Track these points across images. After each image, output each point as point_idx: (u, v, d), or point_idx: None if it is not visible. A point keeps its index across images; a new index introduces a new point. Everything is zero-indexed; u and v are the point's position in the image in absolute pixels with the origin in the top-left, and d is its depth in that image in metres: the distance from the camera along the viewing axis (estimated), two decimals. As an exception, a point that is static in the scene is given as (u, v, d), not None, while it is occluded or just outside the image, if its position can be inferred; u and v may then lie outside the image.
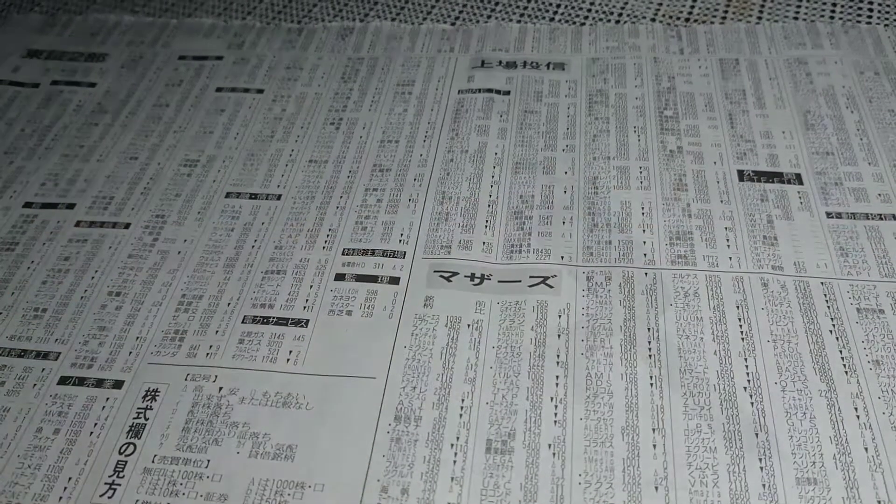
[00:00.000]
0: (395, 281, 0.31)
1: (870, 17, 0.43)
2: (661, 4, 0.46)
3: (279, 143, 0.39)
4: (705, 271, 0.31)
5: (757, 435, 0.26)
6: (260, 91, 0.42)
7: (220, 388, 0.28)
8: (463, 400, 0.27)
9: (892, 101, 0.38)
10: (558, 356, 0.28)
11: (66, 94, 0.43)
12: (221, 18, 0.48)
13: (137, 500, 0.25)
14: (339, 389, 0.28)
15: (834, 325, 0.29)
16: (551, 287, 0.31)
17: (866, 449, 0.25)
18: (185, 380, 0.29)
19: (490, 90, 0.40)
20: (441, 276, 0.31)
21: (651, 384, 0.27)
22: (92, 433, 0.27)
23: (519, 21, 0.46)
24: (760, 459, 0.25)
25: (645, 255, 0.32)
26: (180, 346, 0.30)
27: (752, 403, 0.27)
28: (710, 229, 0.32)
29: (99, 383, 0.29)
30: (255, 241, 0.34)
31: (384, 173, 0.36)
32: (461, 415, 0.27)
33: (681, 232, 0.32)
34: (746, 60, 0.41)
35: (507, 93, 0.40)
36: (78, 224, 0.35)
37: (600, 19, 0.45)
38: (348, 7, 0.48)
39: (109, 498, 0.25)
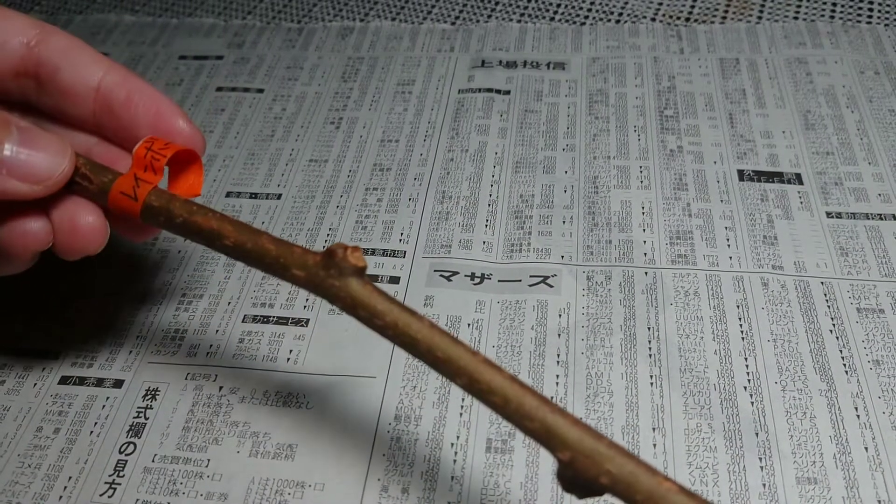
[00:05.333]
0: (395, 280, 0.31)
1: (870, 16, 0.43)
2: (661, 4, 0.46)
3: (279, 142, 0.39)
4: (705, 271, 0.31)
5: (757, 434, 0.26)
6: (260, 90, 0.42)
7: (221, 388, 0.28)
8: (463, 399, 0.27)
9: (893, 101, 0.38)
10: (558, 355, 0.28)
11: (66, 94, 0.43)
12: (221, 18, 0.48)
13: (137, 500, 0.25)
14: (339, 389, 0.28)
15: (834, 325, 0.29)
16: (551, 286, 0.31)
17: (866, 448, 0.25)
18: (186, 379, 0.29)
19: (490, 90, 0.40)
20: (441, 276, 0.31)
21: (651, 383, 0.27)
22: (92, 432, 0.27)
23: (519, 21, 0.46)
24: (760, 459, 0.25)
25: (645, 254, 0.32)
26: (180, 345, 0.30)
27: (752, 403, 0.27)
28: (711, 229, 0.32)
29: (99, 382, 0.29)
30: (256, 240, 0.34)
31: (384, 172, 0.36)
32: (461, 414, 0.27)
33: (681, 231, 0.32)
34: (746, 60, 0.41)
35: (508, 92, 0.40)
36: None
37: (600, 19, 0.45)
38: (348, 7, 0.48)
39: (109, 497, 0.25)
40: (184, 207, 0.21)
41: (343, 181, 0.36)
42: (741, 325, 0.29)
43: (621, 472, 0.15)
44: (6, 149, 0.21)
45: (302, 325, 0.30)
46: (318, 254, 0.19)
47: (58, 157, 0.22)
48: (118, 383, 0.29)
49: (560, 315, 0.30)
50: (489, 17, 0.46)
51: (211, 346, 0.30)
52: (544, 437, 0.16)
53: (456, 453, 0.26)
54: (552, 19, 0.46)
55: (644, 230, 0.33)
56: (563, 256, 0.32)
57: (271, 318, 0.30)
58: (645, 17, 0.45)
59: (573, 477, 0.16)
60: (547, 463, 0.26)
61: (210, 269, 0.33)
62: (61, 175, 0.22)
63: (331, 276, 0.19)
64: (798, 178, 0.34)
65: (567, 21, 0.45)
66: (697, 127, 0.37)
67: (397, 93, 0.41)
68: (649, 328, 0.29)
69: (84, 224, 0.23)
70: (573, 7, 0.46)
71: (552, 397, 0.27)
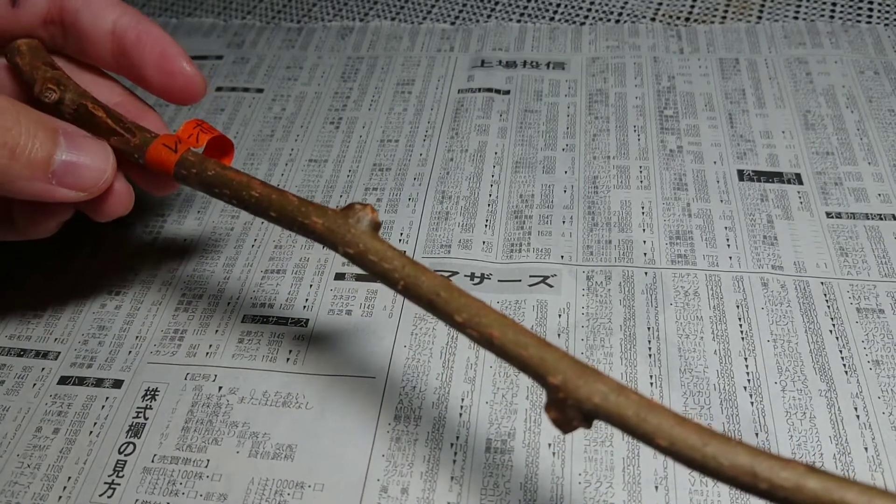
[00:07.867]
0: (394, 280, 0.31)
1: (870, 16, 0.43)
2: (661, 4, 0.46)
3: (279, 142, 0.39)
4: (705, 271, 0.31)
5: (757, 435, 0.26)
6: (260, 90, 0.42)
7: (220, 388, 0.28)
8: (463, 399, 0.27)
9: (893, 101, 0.38)
10: (558, 356, 0.28)
11: (65, 94, 0.43)
12: (221, 18, 0.48)
13: (137, 500, 0.25)
14: (338, 389, 0.28)
15: (834, 325, 0.29)
16: (551, 286, 0.31)
17: (866, 449, 0.25)
18: (185, 379, 0.29)
19: (490, 89, 0.40)
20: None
21: (651, 383, 0.27)
22: (91, 433, 0.27)
23: (519, 20, 0.46)
24: (760, 459, 0.25)
25: (645, 254, 0.32)
26: (180, 345, 0.30)
27: (752, 403, 0.27)
28: (710, 229, 0.32)
29: (98, 383, 0.29)
30: (255, 240, 0.34)
31: (384, 172, 0.36)
32: (461, 414, 0.27)
33: (681, 231, 0.32)
34: (746, 60, 0.41)
35: (507, 92, 0.40)
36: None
37: (600, 19, 0.45)
38: (348, 6, 0.48)
39: (109, 497, 0.25)
40: (217, 164, 0.23)
41: (343, 181, 0.36)
42: (741, 326, 0.29)
43: (611, 389, 0.16)
44: (56, 161, 0.23)
45: (302, 325, 0.30)
46: (338, 209, 0.21)
47: (102, 164, 0.24)
48: (117, 383, 0.29)
49: (560, 315, 0.30)
50: (489, 16, 0.46)
51: (211, 346, 0.30)
52: (538, 363, 0.17)
53: (456, 453, 0.26)
54: (552, 19, 0.46)
55: (644, 230, 0.33)
56: (562, 256, 0.32)
57: (271, 318, 0.30)
58: (645, 17, 0.45)
59: (564, 400, 0.17)
60: (547, 463, 0.26)
61: (210, 269, 0.33)
62: (104, 183, 0.24)
63: (349, 223, 0.21)
64: (798, 178, 0.34)
65: (567, 21, 0.45)
66: (697, 127, 0.37)
67: (397, 93, 0.41)
68: (649, 328, 0.29)
69: (118, 188, 0.25)
70: (573, 7, 0.46)
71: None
